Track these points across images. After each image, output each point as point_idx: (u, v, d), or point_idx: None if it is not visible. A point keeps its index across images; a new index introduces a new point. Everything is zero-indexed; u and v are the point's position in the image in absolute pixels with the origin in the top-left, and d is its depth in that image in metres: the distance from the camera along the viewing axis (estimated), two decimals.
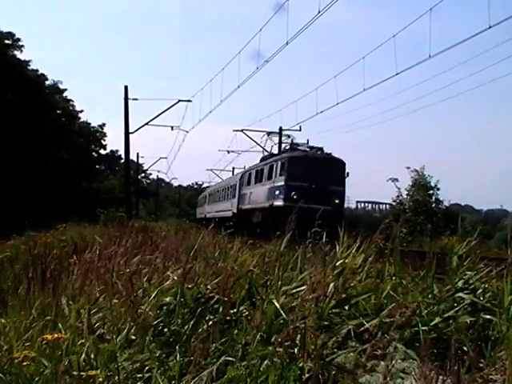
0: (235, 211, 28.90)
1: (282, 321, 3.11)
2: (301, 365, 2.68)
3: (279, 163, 22.28)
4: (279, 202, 20.84)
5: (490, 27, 13.63)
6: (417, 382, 2.51)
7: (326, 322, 3.21)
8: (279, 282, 3.71)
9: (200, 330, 3.12)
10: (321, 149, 22.49)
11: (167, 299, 3.51)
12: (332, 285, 3.43)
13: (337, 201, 20.80)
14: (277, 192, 21.48)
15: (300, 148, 23.81)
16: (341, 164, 21.99)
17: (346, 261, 4.00)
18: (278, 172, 22.00)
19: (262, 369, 2.71)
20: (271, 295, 3.43)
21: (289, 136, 30.07)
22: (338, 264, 3.89)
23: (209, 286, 3.59)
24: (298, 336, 2.82)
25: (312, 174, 20.57)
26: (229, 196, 31.79)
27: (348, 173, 21.88)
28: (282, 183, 21.28)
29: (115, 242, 6.52)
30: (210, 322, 3.13)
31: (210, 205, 40.17)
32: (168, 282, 3.79)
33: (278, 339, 2.79)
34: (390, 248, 4.37)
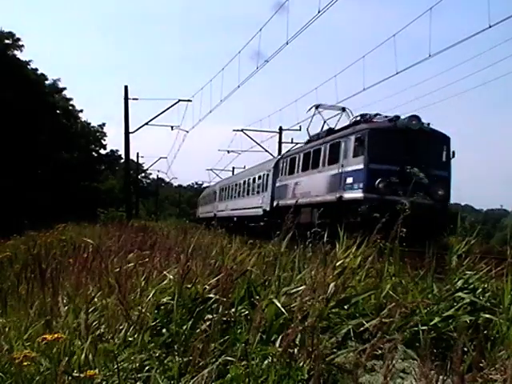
0: (267, 208, 22.33)
1: (281, 321, 3.11)
2: (301, 365, 2.68)
3: (352, 139, 15.06)
4: (356, 194, 14.35)
5: (490, 27, 13.63)
6: (417, 382, 2.51)
7: (325, 322, 3.21)
8: (277, 282, 3.70)
9: (198, 330, 3.11)
10: (415, 116, 14.74)
11: (165, 299, 3.50)
12: (332, 285, 3.43)
13: (440, 192, 14.13)
14: (349, 179, 14.81)
15: (376, 120, 15.60)
16: (444, 139, 15.15)
17: (346, 260, 4.00)
18: (351, 151, 15.02)
19: (262, 368, 2.71)
20: (270, 295, 3.42)
21: (344, 109, 19.42)
22: (337, 264, 3.89)
23: (207, 286, 3.58)
24: (298, 336, 2.82)
25: (405, 153, 14.07)
26: (256, 189, 25.33)
27: (454, 152, 15.03)
28: (361, 166, 14.41)
29: (114, 241, 6.52)
30: (209, 322, 3.12)
31: (223, 202, 33.41)
32: (166, 282, 3.78)
33: (280, 339, 2.78)
34: (389, 247, 4.35)
